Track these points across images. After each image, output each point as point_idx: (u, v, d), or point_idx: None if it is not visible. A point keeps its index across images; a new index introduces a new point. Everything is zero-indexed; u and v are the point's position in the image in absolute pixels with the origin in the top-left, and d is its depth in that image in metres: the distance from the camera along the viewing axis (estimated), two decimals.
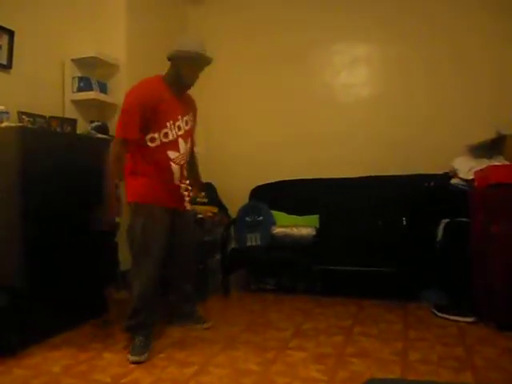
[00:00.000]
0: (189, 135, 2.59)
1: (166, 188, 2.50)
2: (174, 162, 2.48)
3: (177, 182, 2.53)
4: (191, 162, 2.74)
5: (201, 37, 2.55)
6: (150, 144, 2.42)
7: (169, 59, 2.49)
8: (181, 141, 2.50)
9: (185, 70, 2.45)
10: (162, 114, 2.41)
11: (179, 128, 2.49)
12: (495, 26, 3.54)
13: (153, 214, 2.44)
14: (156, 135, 2.42)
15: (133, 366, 2.22)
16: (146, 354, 2.31)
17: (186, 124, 2.55)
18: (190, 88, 2.58)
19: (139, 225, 2.43)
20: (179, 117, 2.49)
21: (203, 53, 2.45)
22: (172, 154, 2.47)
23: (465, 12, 3.63)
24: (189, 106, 2.62)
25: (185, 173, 2.59)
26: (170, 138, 2.45)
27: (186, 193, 2.60)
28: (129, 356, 2.31)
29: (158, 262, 2.46)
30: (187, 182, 2.62)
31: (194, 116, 2.70)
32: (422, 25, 3.74)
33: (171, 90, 2.48)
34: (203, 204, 3.65)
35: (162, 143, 2.43)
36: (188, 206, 2.66)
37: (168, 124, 2.43)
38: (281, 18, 4.13)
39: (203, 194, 3.67)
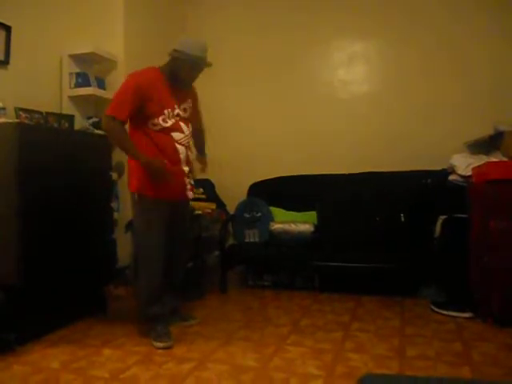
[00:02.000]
0: (188, 121, 2.62)
1: (172, 176, 2.49)
2: (179, 143, 2.52)
3: (184, 165, 2.55)
4: (199, 136, 2.84)
5: (203, 39, 2.53)
6: (153, 127, 2.46)
7: (169, 56, 2.49)
8: (182, 124, 2.54)
9: (184, 72, 2.48)
10: (158, 102, 2.44)
11: (178, 115, 2.53)
12: (492, 23, 3.54)
13: (157, 209, 2.47)
14: (156, 120, 2.45)
15: (131, 361, 2.22)
16: (171, 340, 2.42)
17: (185, 111, 2.58)
18: (187, 88, 2.59)
19: (144, 221, 2.49)
20: (175, 106, 2.52)
21: (204, 57, 2.46)
22: (177, 136, 2.51)
23: (462, 9, 3.63)
24: (186, 94, 2.63)
25: (190, 155, 2.61)
26: (169, 123, 2.48)
27: (188, 180, 2.61)
28: (156, 343, 2.41)
29: (162, 251, 2.49)
30: (189, 168, 2.63)
31: (194, 103, 2.71)
32: (420, 22, 3.74)
33: (167, 82, 2.50)
34: (201, 200, 3.65)
35: (165, 128, 2.47)
36: (190, 195, 2.67)
37: (166, 112, 2.47)
38: (280, 16, 4.12)
39: (201, 190, 3.68)
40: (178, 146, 2.51)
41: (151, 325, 2.50)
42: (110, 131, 2.45)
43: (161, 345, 2.39)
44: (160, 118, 2.45)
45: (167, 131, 2.47)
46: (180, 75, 2.49)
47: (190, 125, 2.62)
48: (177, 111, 2.52)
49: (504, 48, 3.53)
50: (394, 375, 1.92)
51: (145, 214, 2.49)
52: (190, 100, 2.64)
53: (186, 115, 2.58)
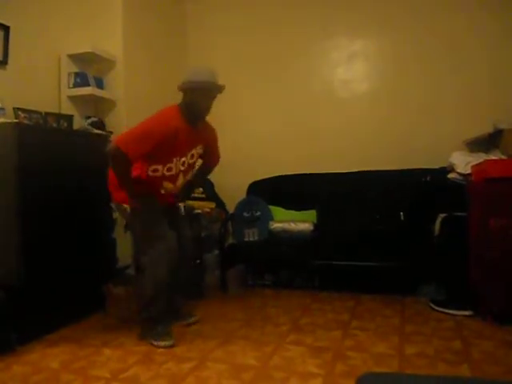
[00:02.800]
0: (191, 168, 2.63)
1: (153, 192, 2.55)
2: (165, 190, 2.56)
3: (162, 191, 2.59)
4: (205, 172, 2.91)
5: (210, 66, 2.54)
6: (150, 173, 2.47)
7: (180, 90, 2.47)
8: (180, 175, 2.57)
9: (198, 101, 2.45)
10: (172, 151, 2.43)
11: (183, 163, 2.53)
12: (492, 21, 3.53)
13: (148, 202, 2.48)
14: (160, 167, 2.46)
15: (132, 361, 2.23)
16: (173, 339, 2.42)
17: (192, 157, 2.58)
18: (204, 118, 2.57)
19: (145, 220, 2.48)
20: (187, 152, 2.51)
21: (214, 81, 2.45)
22: (166, 184, 2.54)
23: (462, 7, 3.62)
24: (202, 136, 2.60)
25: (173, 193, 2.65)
26: (173, 172, 2.50)
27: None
28: (157, 343, 2.40)
29: (170, 247, 2.44)
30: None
31: (208, 144, 2.68)
32: (419, 20, 3.73)
33: (187, 120, 2.46)
34: (201, 199, 3.65)
35: (163, 175, 2.48)
36: (175, 202, 2.70)
37: (174, 160, 2.47)
38: (279, 14, 4.12)
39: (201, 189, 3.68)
40: (163, 191, 2.55)
41: (152, 324, 2.50)
42: (116, 165, 2.39)
43: (162, 344, 2.40)
44: (166, 166, 2.45)
45: (161, 179, 2.50)
46: (195, 106, 2.45)
47: (189, 173, 2.64)
48: (183, 159, 2.50)
49: (503, 46, 3.52)
50: (393, 373, 1.92)
51: (141, 214, 2.48)
52: (202, 144, 2.61)
53: (191, 161, 2.58)
